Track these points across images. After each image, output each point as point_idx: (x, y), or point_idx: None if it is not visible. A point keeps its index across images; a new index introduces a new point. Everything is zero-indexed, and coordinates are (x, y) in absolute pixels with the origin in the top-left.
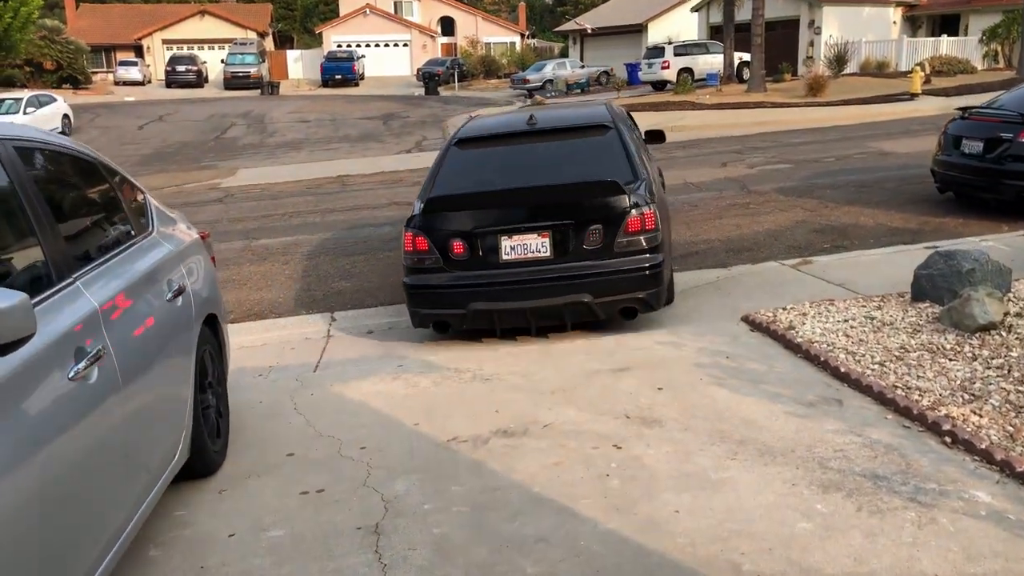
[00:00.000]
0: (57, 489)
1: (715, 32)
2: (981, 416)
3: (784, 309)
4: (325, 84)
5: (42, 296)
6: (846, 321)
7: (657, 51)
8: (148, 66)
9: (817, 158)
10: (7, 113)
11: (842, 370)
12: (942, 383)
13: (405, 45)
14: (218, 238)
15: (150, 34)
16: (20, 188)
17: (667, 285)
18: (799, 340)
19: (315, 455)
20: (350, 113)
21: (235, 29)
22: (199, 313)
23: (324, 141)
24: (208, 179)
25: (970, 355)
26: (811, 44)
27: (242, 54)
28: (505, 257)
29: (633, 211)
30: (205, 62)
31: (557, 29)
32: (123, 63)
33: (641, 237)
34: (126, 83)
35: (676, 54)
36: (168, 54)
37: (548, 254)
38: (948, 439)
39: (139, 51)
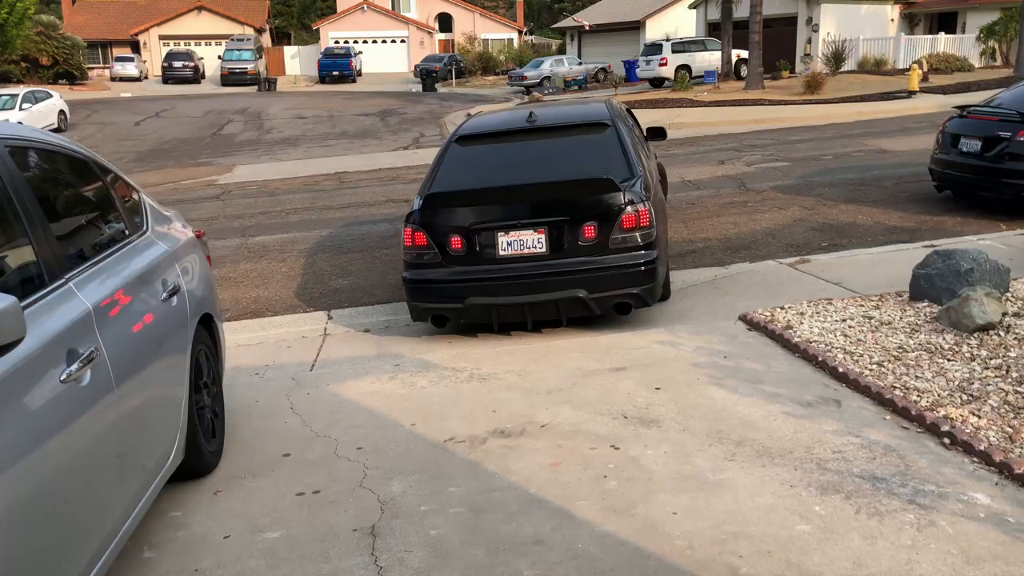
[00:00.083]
0: (50, 492)
1: (713, 29)
2: (980, 417)
3: (782, 308)
4: (322, 80)
5: (33, 298)
6: (844, 320)
7: (655, 48)
8: (145, 62)
9: (815, 156)
10: (3, 109)
11: (840, 370)
12: (940, 383)
13: (403, 41)
14: (215, 235)
15: (147, 30)
16: (12, 188)
17: (662, 281)
18: (797, 340)
19: (311, 455)
20: (347, 109)
21: (232, 25)
22: (194, 313)
23: (321, 138)
24: (205, 176)
25: (968, 355)
26: (809, 41)
27: (239, 50)
28: (502, 253)
29: (628, 208)
30: (202, 58)
31: (555, 26)
32: (119, 59)
33: (636, 234)
34: (122, 79)
35: (674, 51)
36: (165, 50)
37: (544, 250)
38: (947, 440)
39: (136, 47)
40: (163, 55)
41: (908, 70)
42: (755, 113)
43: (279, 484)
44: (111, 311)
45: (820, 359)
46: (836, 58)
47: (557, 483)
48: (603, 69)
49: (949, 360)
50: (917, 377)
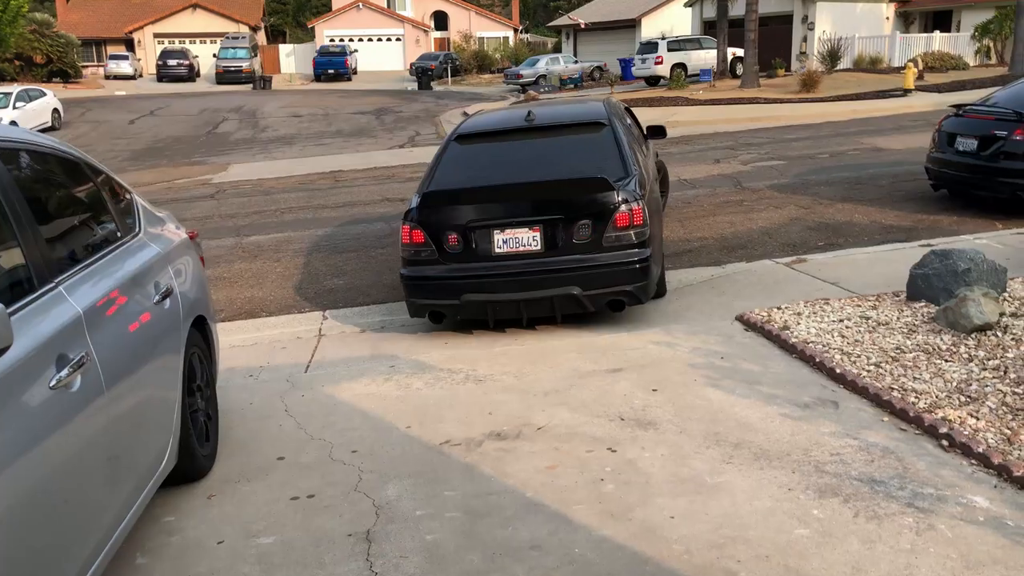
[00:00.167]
0: (39, 499)
1: (709, 27)
2: (978, 419)
3: (779, 308)
4: (317, 79)
5: (22, 303)
6: (841, 321)
7: (651, 46)
8: (139, 60)
9: (811, 154)
10: None
11: (837, 371)
12: (938, 385)
13: (398, 40)
14: (209, 235)
15: (141, 27)
16: (1, 191)
17: (657, 279)
18: (794, 340)
19: (306, 459)
20: (343, 108)
21: (227, 23)
22: (187, 315)
23: (316, 136)
24: (200, 175)
25: (966, 356)
26: (804, 40)
27: (234, 48)
28: (498, 250)
29: (622, 207)
30: (197, 56)
31: (550, 24)
32: (114, 57)
33: (629, 232)
34: (117, 77)
35: (670, 49)
36: (159, 48)
37: (539, 248)
38: (945, 442)
39: (130, 45)
40: (158, 53)
41: (903, 68)
42: (751, 111)
43: (273, 488)
44: (102, 315)
45: (817, 360)
46: (832, 56)
47: (554, 486)
48: (599, 67)
49: (947, 361)
50: (915, 378)
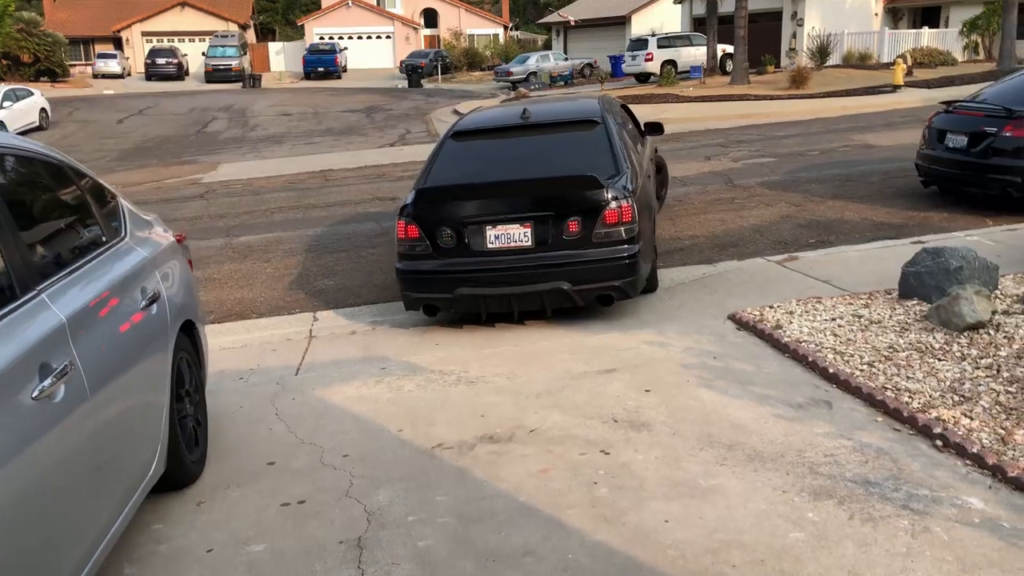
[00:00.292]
0: (22, 512)
1: (698, 24)
2: (972, 419)
3: (771, 307)
4: (307, 77)
5: (2, 312)
6: (834, 320)
7: (640, 43)
8: (127, 59)
9: (801, 151)
10: None
11: (831, 371)
12: (932, 384)
13: (388, 37)
14: (198, 235)
15: (129, 26)
16: None
17: (646, 274)
18: (786, 340)
19: (296, 464)
20: (333, 106)
21: (216, 21)
22: (175, 320)
23: (307, 135)
24: (189, 174)
25: (959, 355)
26: (794, 36)
27: (223, 47)
28: (490, 245)
29: (612, 204)
30: (186, 55)
31: (540, 21)
32: (102, 56)
33: (619, 228)
34: (105, 76)
35: (659, 46)
36: (148, 46)
37: (530, 243)
38: (939, 443)
39: (118, 43)
40: (146, 52)
41: (893, 64)
42: (741, 108)
43: (263, 494)
44: (87, 322)
45: (810, 359)
46: (821, 52)
47: (547, 490)
48: (589, 65)
49: (940, 360)
50: (908, 377)
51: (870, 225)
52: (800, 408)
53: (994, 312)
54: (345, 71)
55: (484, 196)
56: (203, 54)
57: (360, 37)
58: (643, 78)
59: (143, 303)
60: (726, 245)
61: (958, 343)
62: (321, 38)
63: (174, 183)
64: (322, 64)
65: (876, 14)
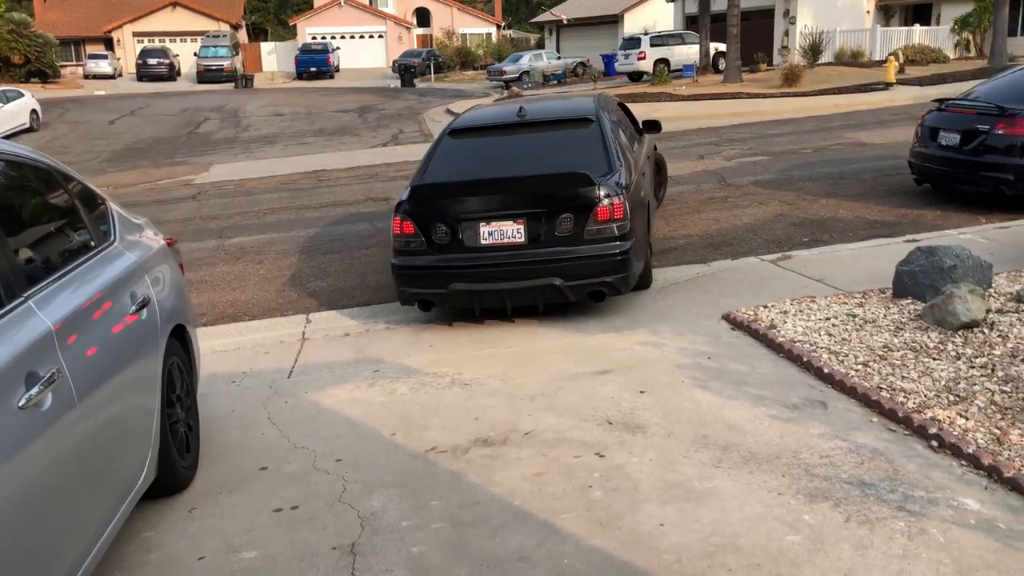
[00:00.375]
0: (10, 520)
1: (691, 22)
2: (967, 419)
3: (765, 307)
4: (300, 77)
5: None
6: (828, 319)
7: (633, 42)
8: (119, 59)
9: (794, 150)
10: None
11: (825, 371)
12: (927, 384)
13: (380, 37)
14: (190, 237)
15: (120, 26)
16: None
17: (639, 271)
18: (781, 340)
19: (289, 468)
20: (325, 106)
21: (208, 21)
22: (165, 325)
23: (299, 135)
24: (181, 175)
25: (954, 354)
26: (786, 34)
27: (215, 47)
28: (483, 242)
29: (604, 201)
30: (177, 55)
31: (533, 20)
32: (93, 56)
33: (611, 225)
34: (96, 77)
35: (652, 45)
36: (139, 47)
37: (522, 240)
38: (935, 443)
39: (109, 44)
40: (137, 52)
41: (885, 62)
42: (734, 107)
43: (256, 500)
44: (75, 328)
45: (805, 359)
46: (813, 50)
47: (541, 494)
48: (582, 63)
49: (935, 359)
50: (903, 377)
51: (863, 223)
52: (795, 409)
53: (988, 311)
54: (338, 71)
55: (478, 193)
56: (195, 54)
57: (352, 37)
58: (636, 77)
59: (133, 308)
60: (720, 244)
61: (953, 342)
62: (313, 38)
63: (166, 184)
64: (314, 64)
65: (868, 11)
